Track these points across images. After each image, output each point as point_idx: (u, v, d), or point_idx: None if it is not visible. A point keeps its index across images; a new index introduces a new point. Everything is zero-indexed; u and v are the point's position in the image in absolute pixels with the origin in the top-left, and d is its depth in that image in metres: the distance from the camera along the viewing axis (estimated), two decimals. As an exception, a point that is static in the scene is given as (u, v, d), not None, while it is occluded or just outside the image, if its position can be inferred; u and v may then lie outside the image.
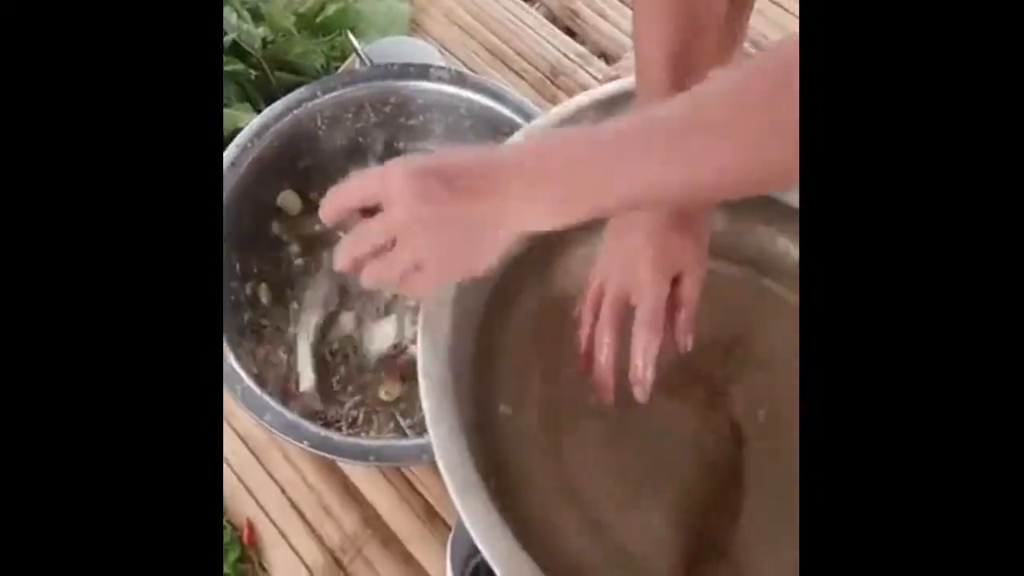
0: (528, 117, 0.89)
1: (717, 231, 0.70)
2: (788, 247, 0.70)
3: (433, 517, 0.84)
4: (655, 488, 0.62)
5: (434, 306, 0.59)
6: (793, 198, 0.70)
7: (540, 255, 0.70)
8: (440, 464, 0.54)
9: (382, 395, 0.85)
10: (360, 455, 0.71)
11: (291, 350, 0.87)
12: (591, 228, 0.71)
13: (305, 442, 0.72)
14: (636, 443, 0.63)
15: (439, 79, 0.93)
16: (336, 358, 0.87)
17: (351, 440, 0.73)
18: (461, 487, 0.53)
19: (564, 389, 0.65)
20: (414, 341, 0.87)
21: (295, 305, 0.90)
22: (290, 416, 0.73)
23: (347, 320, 0.89)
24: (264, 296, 0.89)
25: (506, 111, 0.91)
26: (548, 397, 0.65)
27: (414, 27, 1.17)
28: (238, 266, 0.88)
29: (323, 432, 0.72)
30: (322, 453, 0.72)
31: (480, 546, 0.53)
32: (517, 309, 0.68)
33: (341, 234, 0.85)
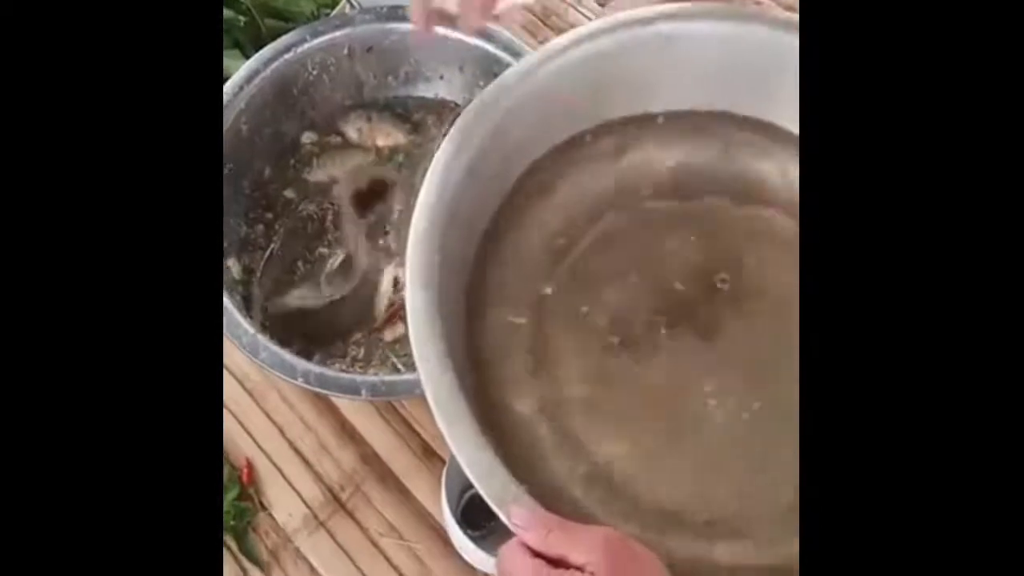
0: (517, 56, 0.88)
1: (699, 162, 0.72)
2: (771, 170, 0.70)
3: (430, 455, 0.85)
4: (647, 420, 0.63)
5: (421, 242, 0.60)
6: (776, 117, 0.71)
7: (533, 192, 0.71)
8: (428, 395, 0.55)
9: (385, 337, 0.86)
10: (353, 389, 0.72)
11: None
12: (580, 166, 0.72)
13: (300, 379, 0.73)
14: (627, 377, 0.64)
15: (428, 21, 0.92)
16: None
17: (345, 375, 0.74)
18: (449, 418, 0.54)
19: (553, 328, 0.66)
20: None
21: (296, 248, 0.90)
22: (285, 355, 0.74)
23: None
24: (260, 239, 0.90)
25: (495, 51, 0.90)
26: (537, 334, 0.66)
27: (404, -28, 1.16)
28: (234, 210, 0.89)
29: (316, 369, 0.73)
30: (316, 389, 0.73)
31: (471, 477, 0.53)
32: (507, 244, 0.69)
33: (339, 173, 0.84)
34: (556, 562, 0.46)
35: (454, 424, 0.54)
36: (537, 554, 0.47)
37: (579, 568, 0.45)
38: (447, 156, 0.63)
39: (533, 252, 0.69)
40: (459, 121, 0.64)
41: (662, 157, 0.72)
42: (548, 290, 0.67)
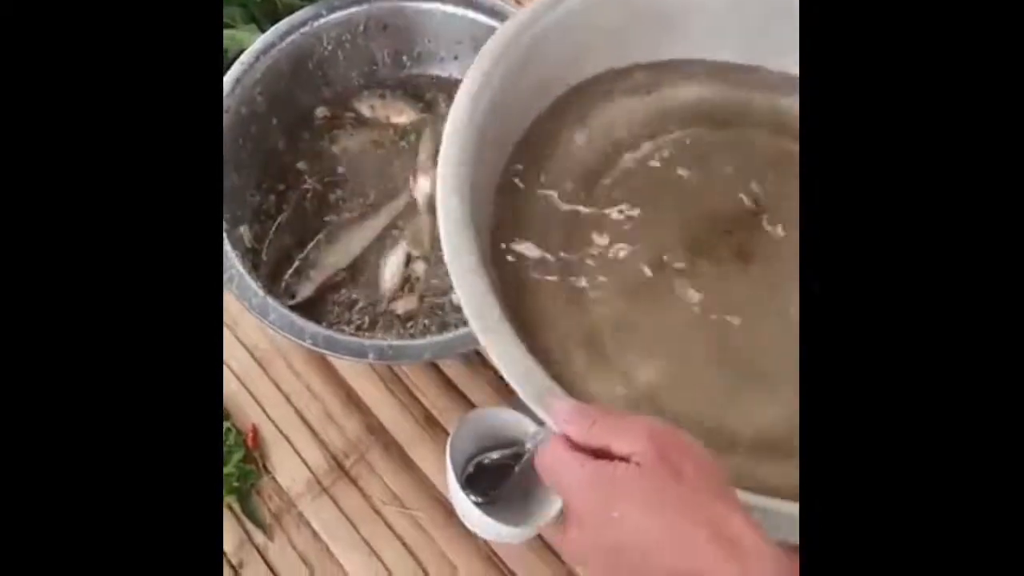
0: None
1: (730, 96, 0.72)
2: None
3: (433, 425, 0.86)
4: (680, 339, 0.62)
5: (451, 156, 0.59)
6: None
7: (565, 121, 0.71)
8: (464, 302, 0.54)
9: (397, 310, 0.86)
10: (360, 352, 0.73)
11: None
12: (611, 98, 0.72)
13: (308, 341, 0.73)
14: (663, 299, 0.64)
15: (441, -1, 0.94)
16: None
17: (352, 339, 0.74)
18: (486, 325, 0.53)
19: (587, 252, 0.66)
20: (423, 258, 0.88)
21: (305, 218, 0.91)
22: (294, 317, 0.75)
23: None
24: (272, 208, 0.91)
25: (508, 30, 0.91)
26: (569, 259, 0.65)
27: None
28: (247, 180, 0.90)
29: (324, 332, 0.74)
30: (323, 351, 0.73)
31: (509, 378, 0.52)
32: (537, 170, 0.69)
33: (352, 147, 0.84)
34: (599, 454, 0.45)
35: (491, 330, 0.53)
36: (579, 449, 0.45)
37: (624, 458, 0.43)
38: (473, 86, 0.63)
39: (564, 180, 0.69)
40: (480, 57, 0.64)
41: (694, 92, 0.73)
42: (581, 215, 0.67)
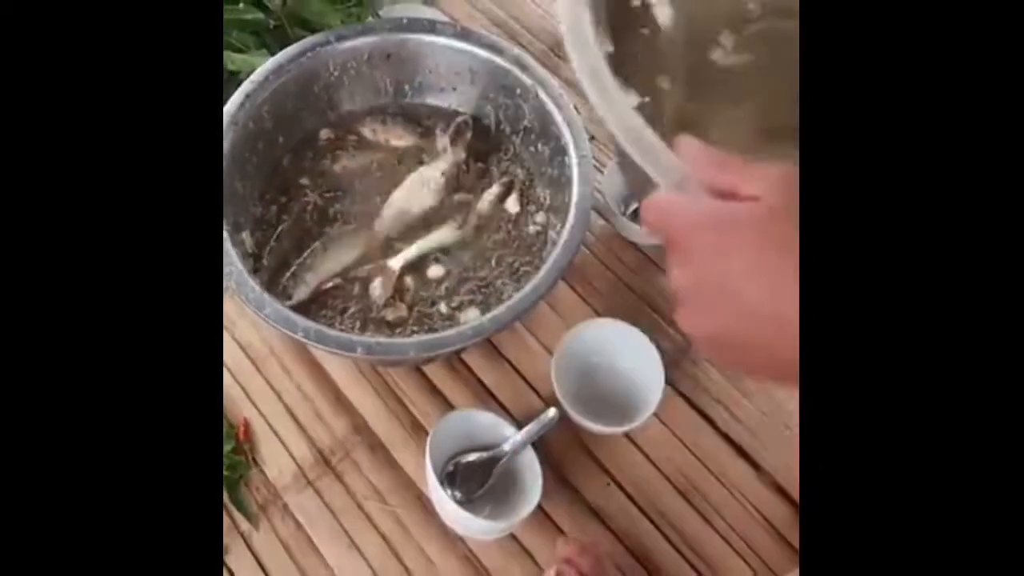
0: (525, 68, 0.95)
1: None
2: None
3: (418, 429, 0.89)
4: None
5: None
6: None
7: None
8: (578, 64, 0.52)
9: (387, 317, 0.90)
10: (349, 347, 0.77)
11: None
12: None
13: (300, 334, 0.77)
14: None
15: (443, 33, 1.00)
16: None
17: (342, 334, 0.78)
18: (600, 87, 0.51)
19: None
20: (412, 270, 0.93)
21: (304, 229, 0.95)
22: (288, 312, 0.79)
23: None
24: (273, 218, 0.95)
25: (506, 64, 0.97)
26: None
27: (428, -1, 1.25)
28: (251, 190, 0.95)
29: (315, 326, 0.78)
30: (314, 343, 0.77)
31: (623, 138, 0.48)
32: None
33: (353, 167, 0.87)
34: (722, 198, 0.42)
35: (605, 92, 0.51)
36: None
37: (751, 199, 0.40)
38: None
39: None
40: None
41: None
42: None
